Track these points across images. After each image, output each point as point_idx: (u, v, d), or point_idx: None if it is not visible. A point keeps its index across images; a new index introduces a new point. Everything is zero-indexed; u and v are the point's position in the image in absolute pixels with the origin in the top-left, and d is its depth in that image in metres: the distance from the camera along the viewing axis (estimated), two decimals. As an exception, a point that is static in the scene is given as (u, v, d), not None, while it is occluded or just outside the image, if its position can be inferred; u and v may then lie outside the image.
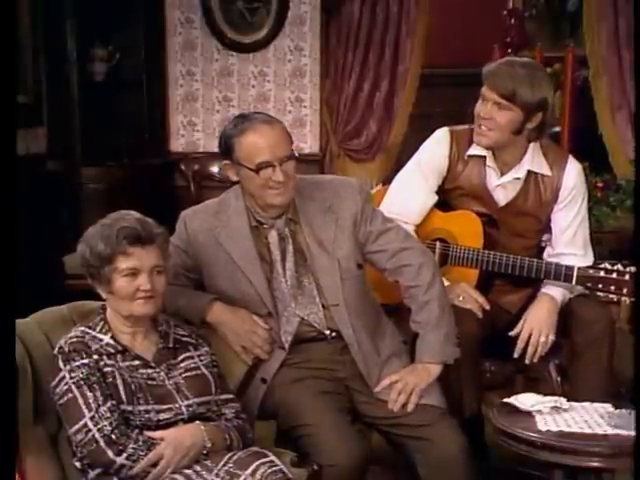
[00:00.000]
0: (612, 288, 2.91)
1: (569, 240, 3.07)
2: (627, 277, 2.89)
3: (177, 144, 5.65)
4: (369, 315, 2.74)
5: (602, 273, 2.92)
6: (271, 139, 2.56)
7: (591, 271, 2.94)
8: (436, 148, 3.12)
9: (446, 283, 2.89)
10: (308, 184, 2.72)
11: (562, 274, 2.96)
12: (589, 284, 2.94)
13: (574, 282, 2.95)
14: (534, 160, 3.05)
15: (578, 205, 3.08)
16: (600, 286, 2.92)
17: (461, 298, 2.96)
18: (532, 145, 3.05)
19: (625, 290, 2.89)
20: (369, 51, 5.19)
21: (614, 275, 2.90)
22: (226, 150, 2.63)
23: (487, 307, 2.98)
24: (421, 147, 3.17)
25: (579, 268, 2.95)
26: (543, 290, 3.02)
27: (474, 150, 3.07)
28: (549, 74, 5.87)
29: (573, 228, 3.08)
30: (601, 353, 2.95)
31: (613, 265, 2.92)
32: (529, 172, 3.05)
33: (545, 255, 3.12)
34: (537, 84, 2.94)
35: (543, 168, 3.06)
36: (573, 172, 3.07)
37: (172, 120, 5.61)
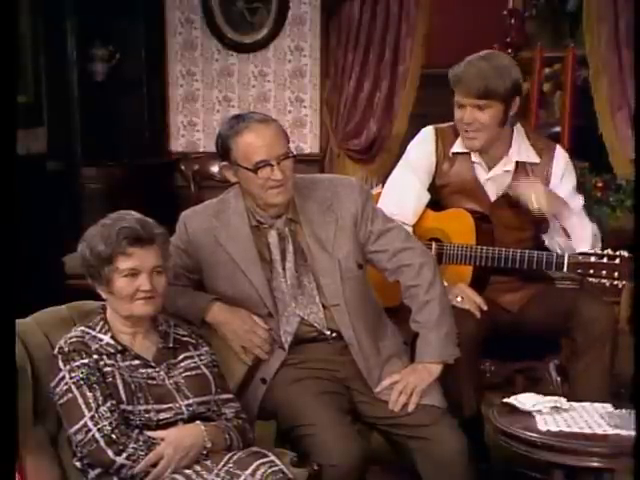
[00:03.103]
0: (603, 273, 2.90)
1: (579, 210, 3.09)
2: (618, 261, 2.88)
3: (177, 144, 5.65)
4: (370, 315, 2.74)
5: (593, 259, 2.91)
6: (267, 138, 2.56)
7: (581, 257, 2.93)
8: (422, 145, 3.16)
9: (445, 284, 2.90)
10: (308, 183, 2.72)
11: (553, 263, 2.97)
12: (580, 270, 2.93)
13: (565, 269, 2.96)
14: (521, 150, 3.08)
15: (570, 186, 3.11)
16: (591, 272, 2.91)
17: (459, 299, 2.96)
18: (517, 136, 3.08)
19: (616, 274, 2.88)
20: (369, 51, 5.19)
21: (605, 260, 2.90)
22: (223, 152, 2.62)
23: (484, 307, 2.98)
24: (408, 147, 3.21)
25: (570, 255, 2.95)
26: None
27: (458, 148, 3.10)
28: (550, 73, 5.95)
29: (577, 199, 3.11)
30: (602, 352, 2.95)
31: (603, 251, 2.92)
32: (518, 164, 3.07)
33: (549, 239, 3.13)
34: (505, 71, 2.97)
35: (531, 156, 3.08)
36: (562, 159, 3.11)
37: (172, 120, 5.62)
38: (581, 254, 2.94)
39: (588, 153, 4.67)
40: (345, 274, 2.66)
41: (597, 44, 4.74)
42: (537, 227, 3.15)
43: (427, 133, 3.17)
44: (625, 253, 2.87)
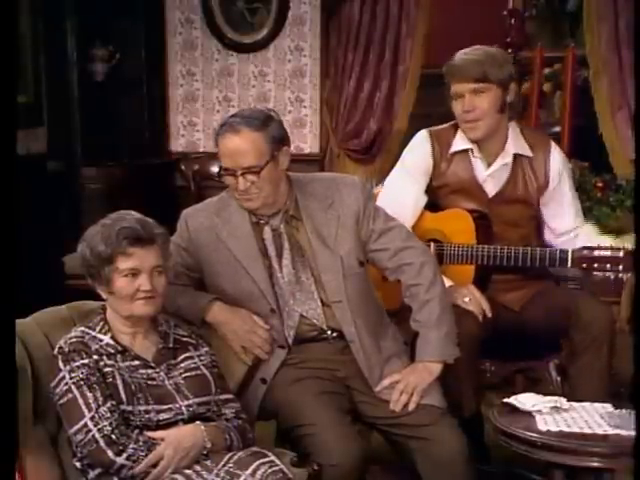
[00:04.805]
0: (608, 266, 2.91)
1: (576, 212, 3.15)
2: (621, 253, 2.89)
3: (177, 144, 5.65)
4: (371, 314, 2.74)
5: (596, 252, 2.93)
6: (233, 148, 2.55)
7: (585, 252, 2.95)
8: (418, 148, 3.17)
9: (450, 283, 2.90)
10: (310, 181, 2.73)
11: (557, 258, 2.98)
12: (585, 265, 2.94)
13: (569, 265, 2.96)
14: (517, 144, 3.10)
15: (569, 182, 3.16)
16: (596, 265, 2.92)
17: (467, 299, 2.96)
18: (512, 130, 3.10)
19: (620, 267, 2.89)
20: (369, 51, 5.18)
21: (608, 252, 2.91)
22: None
23: (489, 314, 2.97)
24: (403, 152, 3.23)
25: (573, 250, 2.96)
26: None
27: (458, 146, 3.12)
28: (550, 73, 5.96)
29: (576, 202, 3.16)
30: (601, 353, 2.95)
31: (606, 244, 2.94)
32: (515, 157, 3.09)
33: (551, 238, 3.15)
34: (502, 61, 3.05)
35: (526, 150, 3.11)
36: (558, 155, 3.14)
37: (172, 120, 5.62)
38: (585, 248, 2.96)
39: (588, 153, 4.67)
40: (347, 271, 2.66)
41: (597, 44, 4.74)
42: (537, 222, 3.16)
43: (421, 137, 3.19)
44: (628, 245, 2.88)
